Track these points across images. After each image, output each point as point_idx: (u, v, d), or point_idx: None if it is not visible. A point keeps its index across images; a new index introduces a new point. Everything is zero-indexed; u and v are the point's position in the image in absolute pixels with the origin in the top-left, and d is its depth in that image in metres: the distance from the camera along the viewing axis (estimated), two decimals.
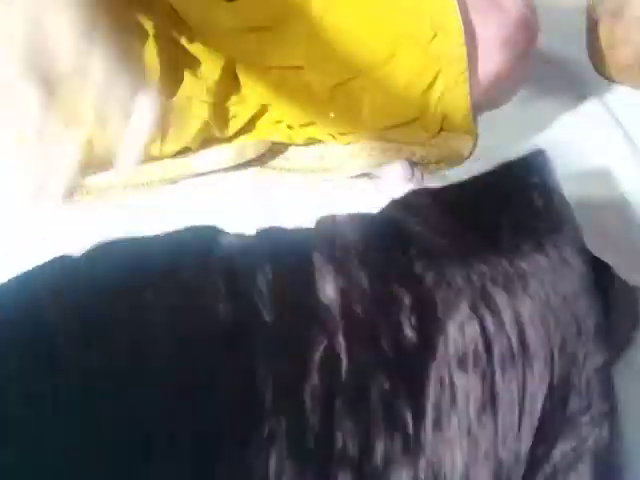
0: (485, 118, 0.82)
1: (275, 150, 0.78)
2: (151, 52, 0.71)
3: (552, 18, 0.86)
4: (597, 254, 0.53)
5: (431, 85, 0.72)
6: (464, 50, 0.70)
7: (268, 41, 0.73)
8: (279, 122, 0.77)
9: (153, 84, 0.71)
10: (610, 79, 0.87)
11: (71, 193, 0.72)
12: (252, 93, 0.76)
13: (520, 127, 0.82)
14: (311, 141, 0.78)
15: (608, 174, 0.78)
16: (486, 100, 0.77)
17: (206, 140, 0.76)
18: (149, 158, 0.73)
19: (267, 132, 0.77)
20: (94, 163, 0.72)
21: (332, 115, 0.75)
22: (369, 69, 0.72)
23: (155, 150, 0.73)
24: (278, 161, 0.78)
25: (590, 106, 0.84)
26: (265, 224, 0.50)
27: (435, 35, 0.71)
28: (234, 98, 0.76)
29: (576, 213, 0.72)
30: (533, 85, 0.87)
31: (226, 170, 0.76)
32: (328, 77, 0.73)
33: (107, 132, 0.69)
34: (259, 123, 0.77)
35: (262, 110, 0.77)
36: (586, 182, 0.76)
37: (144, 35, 0.71)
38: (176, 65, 0.73)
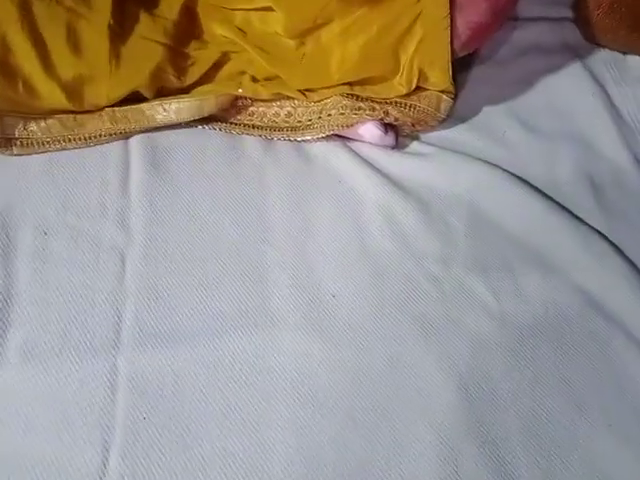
0: (461, 77, 0.77)
1: (239, 105, 0.71)
2: None
3: None
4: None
5: (408, 30, 0.67)
6: None
7: None
8: (242, 73, 0.70)
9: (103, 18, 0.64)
10: (595, 41, 0.83)
11: (6, 145, 0.65)
12: (214, 38, 0.69)
13: (498, 88, 0.78)
14: (278, 97, 0.71)
15: (588, 136, 0.74)
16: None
17: (164, 90, 0.69)
18: (94, 104, 0.66)
19: (229, 84, 0.70)
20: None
21: (299, 69, 0.68)
22: (343, 11, 0.66)
23: (101, 92, 0.66)
24: (242, 117, 0.71)
25: (572, 68, 0.80)
26: None
27: None
28: (194, 43, 0.69)
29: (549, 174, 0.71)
30: (512, 44, 0.82)
31: (186, 124, 0.69)
32: (298, 20, 0.67)
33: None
34: (221, 73, 0.70)
35: (224, 58, 0.70)
36: (564, 144, 0.73)
37: None
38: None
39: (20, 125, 0.66)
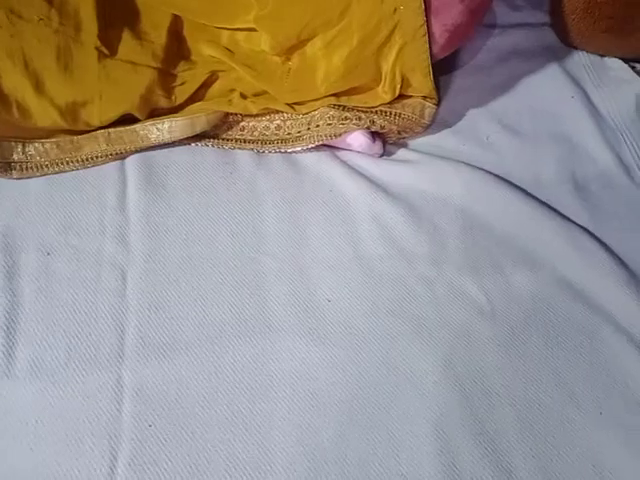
0: (445, 84, 0.80)
1: (230, 121, 0.73)
2: (87, 4, 0.66)
3: None
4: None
5: (388, 39, 0.69)
6: (421, 1, 0.66)
7: None
8: (232, 90, 0.73)
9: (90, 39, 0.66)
10: (573, 45, 0.86)
11: (6, 169, 0.67)
12: (202, 58, 0.71)
13: (481, 93, 0.80)
14: (267, 111, 0.74)
15: (570, 137, 0.76)
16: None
17: (155, 110, 0.71)
18: (87, 124, 0.69)
19: (219, 102, 0.72)
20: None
21: (286, 84, 0.71)
22: (324, 26, 0.68)
23: (93, 112, 0.68)
24: (233, 132, 0.73)
25: (551, 72, 0.83)
26: None
27: None
28: (183, 64, 0.72)
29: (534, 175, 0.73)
30: (493, 51, 0.85)
31: (180, 142, 0.71)
32: (282, 38, 0.69)
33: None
34: (210, 91, 0.73)
35: (213, 77, 0.73)
36: (547, 146, 0.75)
37: None
38: (116, 22, 0.68)
39: (19, 149, 0.68)
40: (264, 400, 0.56)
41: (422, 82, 0.71)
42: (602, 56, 0.85)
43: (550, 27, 0.89)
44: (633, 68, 0.84)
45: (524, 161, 0.74)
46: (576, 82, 0.82)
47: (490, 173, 0.72)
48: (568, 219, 0.69)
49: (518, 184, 0.72)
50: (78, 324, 0.59)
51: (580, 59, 0.85)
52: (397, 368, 0.58)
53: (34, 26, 0.66)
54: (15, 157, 0.68)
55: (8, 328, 0.58)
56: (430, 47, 0.69)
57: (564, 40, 0.87)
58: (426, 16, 0.67)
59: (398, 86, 0.71)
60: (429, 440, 0.54)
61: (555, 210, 0.70)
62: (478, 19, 0.74)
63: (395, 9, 0.67)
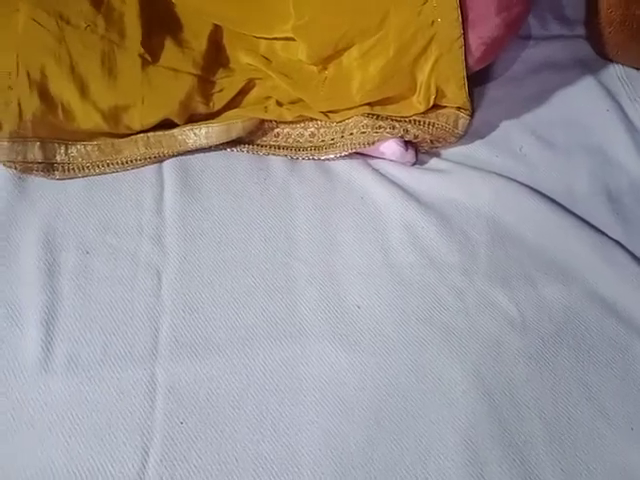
0: (478, 95, 0.80)
1: (265, 128, 0.75)
2: (131, 12, 0.68)
3: None
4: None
5: (424, 50, 0.69)
6: (458, 13, 0.67)
7: (253, 8, 0.69)
8: (268, 98, 0.74)
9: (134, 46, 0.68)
10: (608, 57, 0.85)
11: (49, 169, 0.69)
12: (240, 66, 0.73)
13: (514, 105, 0.80)
14: (302, 119, 0.75)
15: (604, 149, 0.76)
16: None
17: (193, 116, 0.73)
18: (129, 127, 0.70)
19: (255, 108, 0.74)
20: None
21: (321, 93, 0.72)
22: (361, 36, 0.69)
23: (134, 117, 0.70)
24: (268, 138, 0.75)
25: (586, 84, 0.83)
26: None
27: None
28: (221, 71, 0.73)
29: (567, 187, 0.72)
30: (526, 62, 0.85)
31: (216, 147, 0.73)
32: (319, 48, 0.70)
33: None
34: (247, 98, 0.74)
35: (250, 85, 0.74)
36: (580, 158, 0.75)
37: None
38: (159, 29, 0.70)
39: (62, 151, 0.70)
40: (293, 403, 0.57)
41: (457, 93, 0.72)
42: (638, 69, 0.85)
43: (585, 39, 0.88)
44: None
45: (557, 173, 0.74)
46: (611, 95, 0.82)
47: (522, 184, 0.72)
48: (601, 232, 0.69)
49: (550, 196, 0.72)
50: (114, 322, 0.60)
51: (615, 72, 0.85)
52: (426, 376, 0.58)
53: (81, 32, 0.68)
54: (58, 158, 0.70)
55: (48, 324, 0.60)
56: (466, 59, 0.69)
57: (600, 52, 0.86)
58: (463, 28, 0.68)
59: (432, 97, 0.72)
60: (458, 449, 0.55)
61: (587, 222, 0.70)
62: (514, 32, 0.74)
63: (433, 21, 0.67)
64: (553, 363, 0.60)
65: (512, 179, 0.72)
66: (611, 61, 0.85)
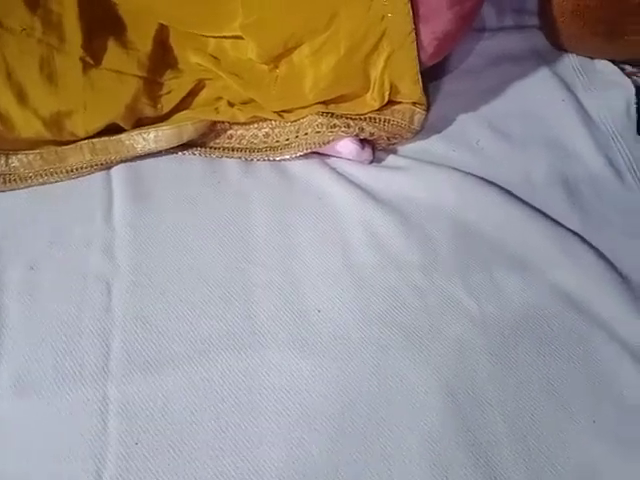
0: (434, 89, 0.79)
1: (218, 129, 0.72)
2: (70, 14, 0.65)
3: None
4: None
5: (376, 47, 0.68)
6: (409, 8, 0.66)
7: (200, 6, 0.67)
8: (219, 99, 0.72)
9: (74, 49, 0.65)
10: (562, 48, 0.85)
11: None
12: (188, 67, 0.70)
13: (470, 98, 0.80)
14: (255, 119, 0.73)
15: (561, 141, 0.76)
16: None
17: (141, 119, 0.70)
18: (72, 134, 0.68)
19: (206, 110, 0.71)
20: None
21: (273, 92, 0.70)
22: (311, 33, 0.67)
23: (77, 123, 0.67)
24: (221, 140, 0.73)
25: (541, 75, 0.83)
26: None
27: None
28: (169, 72, 0.71)
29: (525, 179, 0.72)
30: (482, 55, 0.85)
31: (166, 151, 0.70)
32: (269, 46, 0.68)
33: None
34: (197, 99, 0.72)
35: (199, 85, 0.72)
36: (537, 150, 0.75)
37: None
38: (100, 31, 0.67)
39: (2, 161, 0.67)
40: (253, 415, 0.55)
41: (411, 89, 0.71)
42: (592, 58, 0.85)
43: (539, 30, 0.88)
44: (623, 70, 0.84)
45: (514, 165, 0.74)
46: (566, 85, 0.82)
47: (480, 178, 0.71)
48: (559, 223, 0.69)
49: (508, 188, 0.71)
50: (63, 339, 0.58)
51: (570, 62, 0.85)
52: (388, 379, 0.57)
53: (16, 36, 0.65)
54: None
55: None
56: (419, 55, 0.68)
57: (554, 43, 0.86)
58: (414, 24, 0.66)
59: (387, 93, 0.70)
60: (422, 453, 0.54)
61: (546, 214, 0.69)
62: (467, 26, 0.73)
63: (383, 16, 0.66)
64: (515, 359, 0.59)
65: (470, 173, 0.72)
66: (566, 51, 0.86)
